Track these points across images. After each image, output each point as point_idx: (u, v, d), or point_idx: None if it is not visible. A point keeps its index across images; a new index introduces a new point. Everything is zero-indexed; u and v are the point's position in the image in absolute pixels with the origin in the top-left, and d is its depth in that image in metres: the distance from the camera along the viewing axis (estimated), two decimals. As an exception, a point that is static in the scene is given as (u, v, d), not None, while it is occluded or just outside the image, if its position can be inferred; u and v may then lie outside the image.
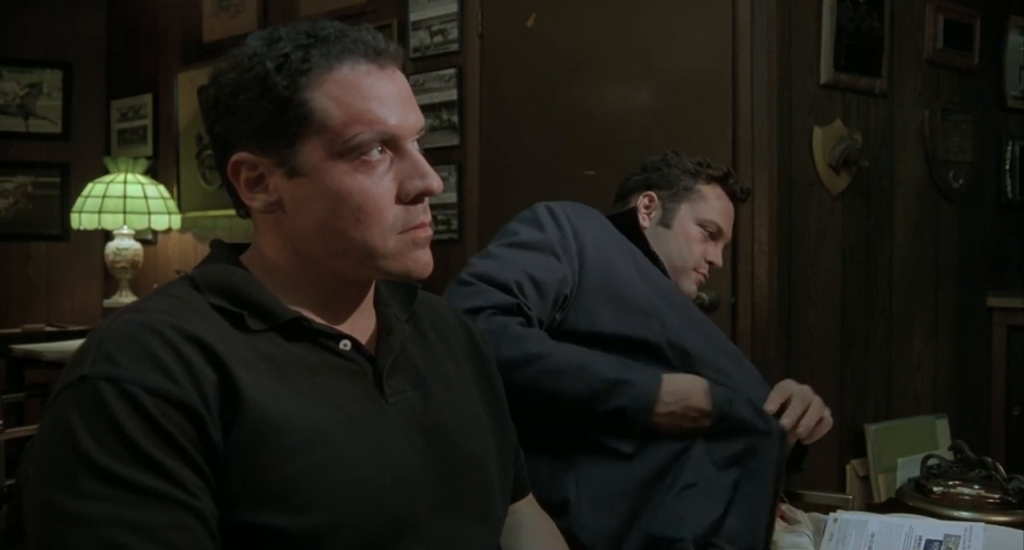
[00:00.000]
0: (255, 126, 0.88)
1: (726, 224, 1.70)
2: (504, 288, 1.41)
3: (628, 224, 1.63)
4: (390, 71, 0.91)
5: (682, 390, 1.38)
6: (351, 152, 0.88)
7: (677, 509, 1.31)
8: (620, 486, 1.35)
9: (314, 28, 0.90)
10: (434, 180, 0.91)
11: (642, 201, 1.70)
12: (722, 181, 1.71)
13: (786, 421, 1.40)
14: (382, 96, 0.89)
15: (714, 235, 1.68)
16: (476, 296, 1.38)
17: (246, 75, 0.88)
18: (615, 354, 1.41)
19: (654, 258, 1.61)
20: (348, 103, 0.87)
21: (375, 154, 0.89)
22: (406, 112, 0.91)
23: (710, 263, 1.69)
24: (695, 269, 1.67)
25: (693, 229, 1.67)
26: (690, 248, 1.66)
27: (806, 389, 1.47)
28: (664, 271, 1.61)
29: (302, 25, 0.90)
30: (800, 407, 1.42)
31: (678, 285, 1.64)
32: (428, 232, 0.93)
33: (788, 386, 1.47)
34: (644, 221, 1.68)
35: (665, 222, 1.68)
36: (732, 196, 1.72)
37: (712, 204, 1.68)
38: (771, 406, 1.42)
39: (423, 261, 0.93)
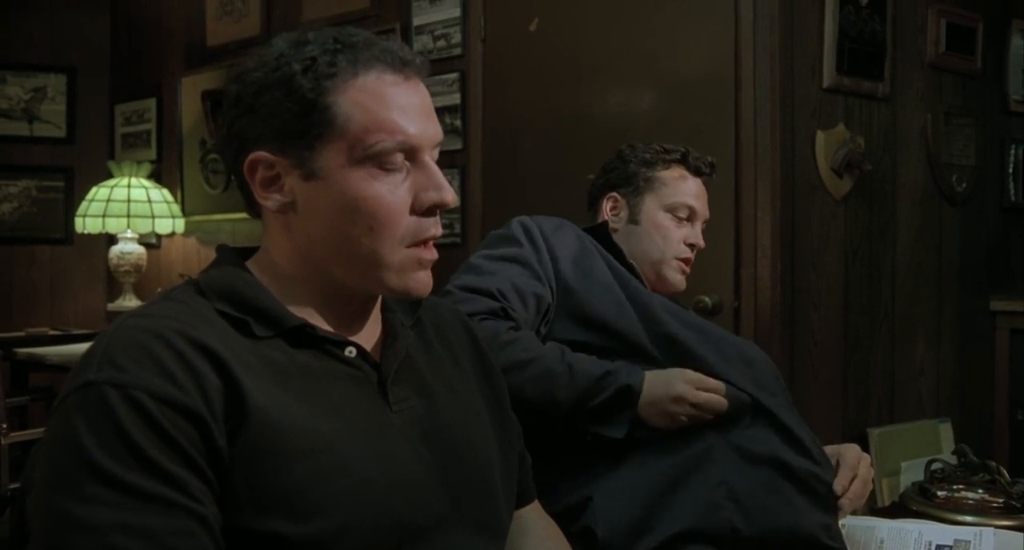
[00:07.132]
0: (276, 126, 0.89)
1: (696, 203, 1.66)
2: (487, 294, 1.43)
3: (601, 236, 1.62)
4: (414, 83, 0.92)
5: (666, 376, 1.37)
6: (370, 159, 0.88)
7: (713, 501, 1.31)
8: (639, 482, 1.35)
9: (343, 34, 0.91)
10: (448, 193, 0.92)
11: (607, 204, 1.70)
12: (681, 161, 1.68)
13: (838, 488, 1.36)
14: (405, 106, 0.90)
15: (688, 217, 1.65)
16: (462, 304, 1.38)
17: (272, 75, 0.89)
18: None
19: (630, 268, 1.59)
20: (371, 110, 0.88)
21: (393, 163, 0.89)
22: (427, 124, 0.92)
23: (692, 245, 1.65)
24: (676, 257, 1.64)
25: (662, 217, 1.64)
26: (665, 237, 1.64)
27: (865, 468, 1.41)
28: (642, 281, 1.59)
29: (330, 30, 0.92)
30: (860, 488, 1.39)
31: (665, 280, 1.63)
32: (433, 254, 0.94)
33: (850, 459, 1.41)
34: (614, 224, 1.68)
35: (633, 219, 1.67)
36: (697, 172, 1.68)
37: (676, 187, 1.65)
38: (843, 482, 1.37)
39: (423, 282, 0.94)
